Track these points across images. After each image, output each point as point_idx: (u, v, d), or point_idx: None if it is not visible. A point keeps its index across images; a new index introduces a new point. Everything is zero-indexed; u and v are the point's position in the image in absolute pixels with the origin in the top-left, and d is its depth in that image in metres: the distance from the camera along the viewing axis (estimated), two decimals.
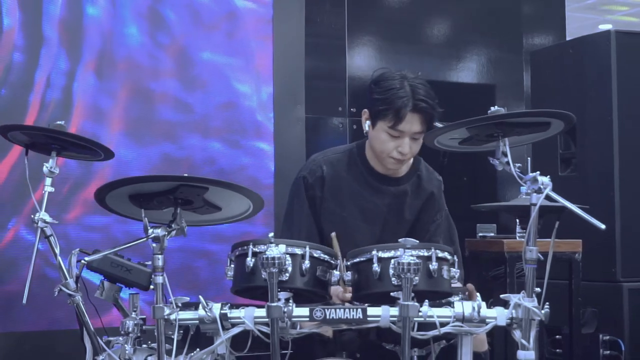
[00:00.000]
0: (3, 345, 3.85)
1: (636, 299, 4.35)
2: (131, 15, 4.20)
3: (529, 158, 3.77)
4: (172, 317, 2.56)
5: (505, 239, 4.05)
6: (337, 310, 2.53)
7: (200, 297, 2.56)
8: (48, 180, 2.90)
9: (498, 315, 2.53)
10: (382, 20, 5.33)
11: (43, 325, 3.90)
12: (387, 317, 2.50)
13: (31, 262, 2.84)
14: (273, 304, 2.46)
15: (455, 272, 2.57)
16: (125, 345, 2.75)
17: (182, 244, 3.98)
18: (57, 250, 2.87)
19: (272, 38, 4.50)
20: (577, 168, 4.69)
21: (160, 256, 2.56)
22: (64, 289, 2.84)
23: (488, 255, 4.13)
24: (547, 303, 2.52)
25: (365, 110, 3.09)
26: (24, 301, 2.79)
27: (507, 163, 2.58)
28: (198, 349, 2.60)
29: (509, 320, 2.53)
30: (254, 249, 2.53)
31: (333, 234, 2.96)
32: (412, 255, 2.46)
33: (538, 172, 2.52)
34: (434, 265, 2.49)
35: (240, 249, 2.60)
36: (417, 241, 2.50)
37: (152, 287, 2.60)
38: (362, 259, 2.55)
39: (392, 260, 2.47)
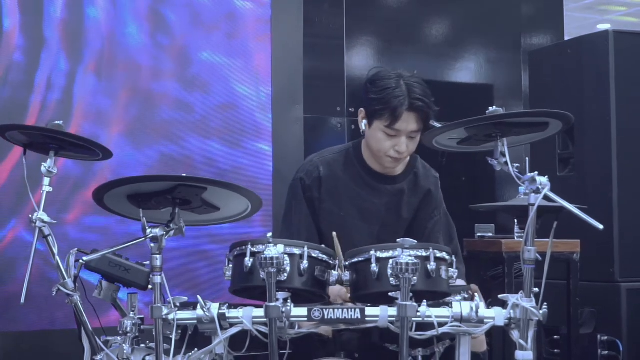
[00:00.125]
0: (2, 345, 3.85)
1: (634, 299, 4.36)
2: (131, 16, 4.20)
3: (527, 158, 3.77)
4: (171, 317, 2.56)
5: (503, 239, 4.05)
6: (336, 310, 2.53)
7: (198, 297, 2.56)
8: (46, 180, 2.90)
9: (496, 316, 2.53)
10: (380, 20, 5.33)
11: (41, 325, 3.90)
12: (385, 317, 2.50)
13: (29, 262, 2.84)
14: (271, 304, 2.46)
15: (454, 272, 2.57)
16: (124, 345, 2.76)
17: (181, 244, 3.98)
18: (56, 250, 2.87)
19: (270, 38, 4.50)
20: (575, 168, 4.69)
21: (158, 256, 2.56)
22: (62, 288, 2.83)
23: (486, 255, 4.13)
24: (545, 303, 2.52)
25: (362, 109, 3.09)
26: (22, 301, 2.79)
27: (506, 163, 2.58)
28: (196, 349, 2.60)
29: (507, 321, 2.53)
30: (252, 249, 2.53)
31: (334, 234, 2.96)
32: (410, 256, 2.46)
33: (536, 172, 2.52)
34: (432, 266, 2.49)
35: (238, 249, 2.60)
36: (416, 241, 2.50)
37: (150, 287, 2.60)
38: (360, 259, 2.55)
39: (391, 261, 2.47)
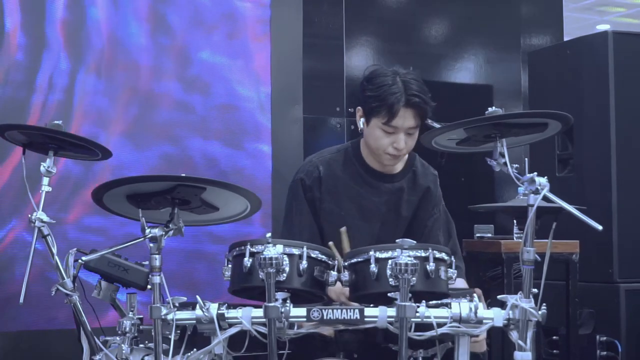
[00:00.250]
0: (1, 344, 3.84)
1: (633, 299, 4.36)
2: (132, 16, 4.20)
3: (526, 159, 3.77)
4: (169, 317, 2.56)
5: (502, 239, 4.05)
6: (335, 310, 2.53)
7: (197, 297, 2.56)
8: (45, 180, 2.90)
9: (495, 316, 2.53)
10: (379, 20, 5.34)
11: (40, 325, 3.90)
12: (384, 318, 2.50)
13: (28, 261, 2.84)
14: (270, 304, 2.46)
15: (453, 272, 2.57)
16: (122, 345, 2.75)
17: (181, 245, 3.99)
18: (55, 250, 2.87)
19: (270, 39, 4.50)
20: (574, 169, 4.69)
21: (157, 256, 2.56)
22: (61, 288, 2.83)
23: (485, 256, 4.13)
24: (544, 304, 2.52)
25: (359, 107, 3.09)
26: (21, 301, 2.79)
27: (505, 164, 2.58)
28: (195, 349, 2.60)
29: (506, 321, 2.53)
30: (251, 249, 2.53)
31: (343, 229, 2.95)
32: (409, 256, 2.46)
33: (535, 173, 2.52)
34: (431, 266, 2.49)
35: (237, 249, 2.59)
36: (415, 242, 2.50)
37: (149, 287, 2.60)
38: (359, 260, 2.55)
39: (390, 261, 2.47)
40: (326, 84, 5.05)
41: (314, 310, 2.53)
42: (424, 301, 2.51)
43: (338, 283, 2.62)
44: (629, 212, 4.46)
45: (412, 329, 2.49)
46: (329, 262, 2.61)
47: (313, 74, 4.89)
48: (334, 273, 2.60)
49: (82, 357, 2.89)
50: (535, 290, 2.52)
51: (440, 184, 3.28)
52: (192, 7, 4.35)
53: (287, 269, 2.50)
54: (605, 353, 4.34)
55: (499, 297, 2.58)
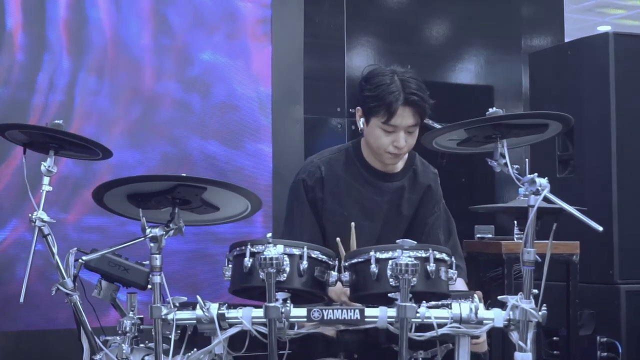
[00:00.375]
0: (1, 344, 3.85)
1: (634, 300, 4.36)
2: (133, 16, 4.20)
3: (527, 159, 3.77)
4: (170, 317, 2.56)
5: (503, 240, 4.05)
6: (335, 310, 2.53)
7: (197, 297, 2.56)
8: (46, 180, 2.90)
9: (495, 317, 2.53)
10: (380, 20, 5.34)
11: (41, 325, 3.90)
12: (384, 318, 2.50)
13: (28, 261, 2.84)
14: (271, 305, 2.46)
15: (453, 273, 2.57)
16: (123, 345, 2.75)
17: (182, 245, 3.99)
18: (55, 250, 2.87)
19: (270, 39, 4.50)
20: (575, 170, 4.69)
21: (158, 256, 2.56)
22: (61, 288, 2.84)
23: (486, 256, 4.13)
24: (545, 305, 2.52)
25: (358, 107, 3.09)
26: (21, 300, 2.79)
27: (505, 164, 2.58)
28: (195, 349, 2.60)
29: (506, 322, 2.53)
30: (251, 249, 2.53)
31: (338, 240, 2.96)
32: (409, 257, 2.46)
33: (536, 174, 2.52)
34: (431, 267, 2.49)
35: (238, 249, 2.59)
36: (415, 242, 2.50)
37: (149, 286, 2.60)
38: (359, 260, 2.55)
39: (390, 261, 2.47)
40: (327, 84, 5.05)
41: (315, 311, 2.53)
42: (424, 302, 2.51)
43: (338, 283, 2.62)
44: (629, 213, 4.46)
45: (413, 330, 2.49)
46: (330, 262, 2.61)
47: (314, 74, 4.89)
48: (334, 273, 2.60)
49: (83, 356, 2.89)
50: (535, 291, 2.52)
51: (441, 184, 3.29)
52: (192, 8, 4.35)
53: (287, 269, 2.50)
54: (605, 354, 4.34)
55: (499, 297, 2.58)
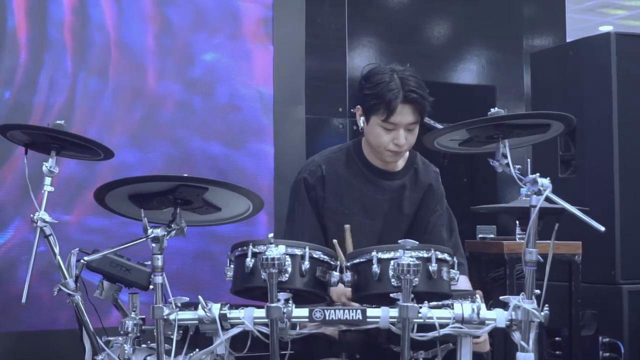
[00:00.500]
0: (3, 345, 3.85)
1: (636, 301, 4.35)
2: (135, 17, 4.20)
3: (529, 160, 3.76)
4: (172, 317, 2.56)
5: (505, 240, 4.05)
6: (337, 311, 2.53)
7: (199, 297, 2.56)
8: (48, 180, 2.90)
9: (497, 317, 2.53)
10: (382, 21, 5.34)
11: (43, 325, 3.90)
12: (386, 319, 2.50)
13: (30, 261, 2.84)
14: (272, 305, 2.46)
15: (455, 273, 2.57)
16: (125, 345, 2.76)
17: (184, 245, 3.99)
18: (57, 250, 2.88)
19: (272, 39, 4.50)
20: (576, 170, 4.69)
21: (159, 256, 2.56)
22: (63, 288, 2.84)
23: (488, 256, 4.13)
24: (547, 305, 2.52)
25: (358, 106, 3.10)
26: (23, 301, 2.79)
27: (507, 165, 2.58)
28: (197, 349, 2.60)
29: (508, 322, 2.52)
30: (253, 250, 2.53)
31: (347, 226, 2.96)
32: (411, 257, 2.46)
33: (538, 174, 2.52)
34: (433, 267, 2.49)
35: (239, 249, 2.59)
36: (417, 242, 2.50)
37: (151, 287, 2.60)
38: (361, 260, 2.55)
39: (392, 262, 2.47)
40: (329, 84, 5.06)
41: (316, 311, 2.53)
42: (426, 302, 2.51)
43: (340, 284, 2.62)
44: (631, 213, 4.45)
45: (415, 330, 2.49)
46: (331, 262, 2.61)
47: (315, 75, 4.89)
48: (336, 274, 2.60)
49: (85, 357, 2.90)
50: (537, 291, 2.52)
51: (443, 185, 3.29)
52: (194, 8, 4.35)
53: (289, 269, 2.50)
54: (608, 354, 4.33)
55: (501, 298, 2.58)
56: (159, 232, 2.56)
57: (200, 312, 2.55)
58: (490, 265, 4.18)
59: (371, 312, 2.52)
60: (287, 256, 2.49)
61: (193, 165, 4.25)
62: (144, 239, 2.58)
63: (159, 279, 2.56)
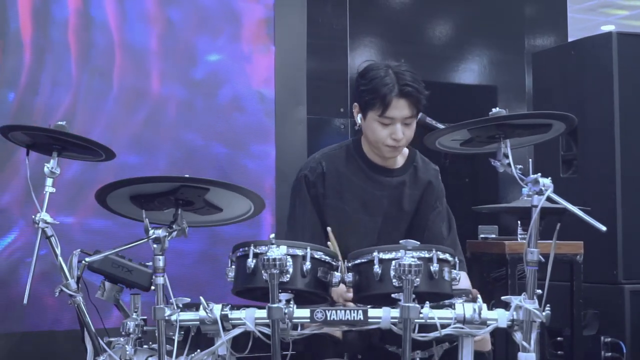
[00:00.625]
0: (5, 345, 3.85)
1: (638, 300, 4.35)
2: (137, 18, 4.20)
3: (530, 160, 3.77)
4: (173, 318, 2.56)
5: (506, 240, 4.05)
6: (338, 311, 2.53)
7: (201, 297, 2.56)
8: (49, 181, 2.90)
9: (499, 317, 2.53)
10: (384, 21, 5.34)
11: (44, 326, 3.90)
12: (388, 319, 2.50)
13: (32, 262, 2.84)
14: (274, 305, 2.46)
15: (457, 273, 2.57)
16: (126, 346, 2.76)
17: (184, 245, 3.98)
18: (58, 251, 2.87)
19: (273, 39, 4.50)
20: (578, 170, 4.69)
21: (161, 257, 2.56)
22: (64, 289, 2.84)
23: (489, 256, 4.13)
24: (548, 305, 2.52)
25: (355, 104, 3.13)
26: (25, 302, 2.79)
27: (509, 164, 2.58)
28: (199, 350, 2.60)
29: (510, 322, 2.52)
30: (254, 250, 2.54)
31: (329, 229, 2.97)
32: (413, 257, 2.46)
33: (539, 174, 2.52)
34: (435, 267, 2.49)
35: (241, 250, 2.60)
36: (418, 243, 2.50)
37: (152, 287, 2.60)
38: (363, 261, 2.55)
39: (393, 262, 2.47)
40: (330, 84, 5.06)
41: (318, 311, 2.53)
42: (427, 302, 2.51)
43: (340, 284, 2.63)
44: (633, 212, 4.45)
45: (417, 330, 2.49)
46: (333, 263, 2.61)
47: (317, 75, 4.89)
48: (337, 274, 2.60)
49: (86, 358, 2.90)
50: (539, 291, 2.51)
51: (445, 185, 3.29)
52: (196, 9, 4.34)
53: (290, 270, 2.50)
54: (609, 354, 4.33)
55: (503, 298, 2.58)
56: (160, 233, 2.56)
57: (202, 312, 2.55)
58: (491, 265, 4.18)
59: (372, 312, 2.52)
60: (288, 257, 2.50)
61: (195, 166, 4.25)
62: (146, 239, 2.59)
63: (160, 280, 2.56)
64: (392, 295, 2.48)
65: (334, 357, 2.77)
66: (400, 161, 3.20)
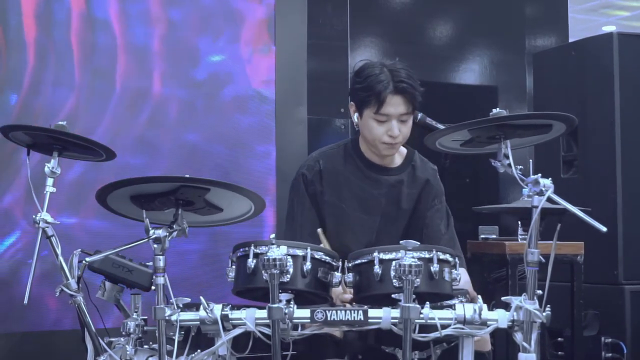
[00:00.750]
0: (5, 345, 3.85)
1: (638, 301, 4.35)
2: (139, 18, 4.20)
3: (531, 160, 3.76)
4: (173, 318, 2.56)
5: (507, 241, 4.04)
6: (338, 311, 2.53)
7: (201, 297, 2.56)
8: (50, 181, 2.90)
9: (499, 318, 2.53)
10: (384, 21, 5.34)
11: (45, 326, 3.90)
12: (388, 319, 2.50)
13: (32, 262, 2.84)
14: (274, 306, 2.46)
15: (457, 274, 2.57)
16: (127, 346, 2.76)
17: (185, 245, 3.98)
18: (59, 251, 2.87)
19: (274, 39, 4.50)
20: (579, 170, 4.69)
21: (161, 257, 2.56)
22: (65, 289, 2.84)
23: (490, 257, 4.13)
24: (549, 305, 2.52)
25: (352, 103, 3.13)
26: (25, 302, 2.79)
27: (509, 165, 2.58)
28: (199, 350, 2.60)
29: (510, 323, 2.52)
30: (255, 250, 2.54)
31: (319, 230, 2.98)
32: (413, 257, 2.46)
33: (540, 174, 2.52)
34: (435, 267, 2.49)
35: (241, 250, 2.60)
36: (418, 243, 2.50)
37: (153, 287, 2.60)
38: (363, 261, 2.55)
39: (394, 262, 2.47)
40: (330, 85, 5.05)
41: (318, 312, 2.53)
42: (428, 302, 2.51)
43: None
44: (633, 213, 4.45)
45: (417, 330, 2.49)
46: (333, 263, 2.61)
47: (317, 75, 4.89)
48: (337, 274, 2.60)
49: (87, 358, 2.90)
50: (539, 291, 2.51)
51: (445, 185, 3.29)
52: (197, 10, 4.35)
53: (290, 270, 2.50)
54: (610, 355, 4.33)
55: (503, 298, 2.58)
56: (160, 233, 2.56)
57: (202, 312, 2.55)
58: (492, 265, 4.18)
59: (373, 312, 2.52)
60: (288, 257, 2.50)
61: (195, 166, 4.25)
62: (146, 239, 2.59)
63: (160, 280, 2.56)
64: (393, 296, 2.48)
65: (335, 357, 2.77)
66: (398, 160, 3.21)
